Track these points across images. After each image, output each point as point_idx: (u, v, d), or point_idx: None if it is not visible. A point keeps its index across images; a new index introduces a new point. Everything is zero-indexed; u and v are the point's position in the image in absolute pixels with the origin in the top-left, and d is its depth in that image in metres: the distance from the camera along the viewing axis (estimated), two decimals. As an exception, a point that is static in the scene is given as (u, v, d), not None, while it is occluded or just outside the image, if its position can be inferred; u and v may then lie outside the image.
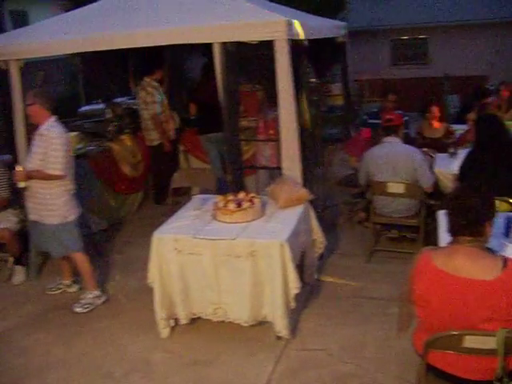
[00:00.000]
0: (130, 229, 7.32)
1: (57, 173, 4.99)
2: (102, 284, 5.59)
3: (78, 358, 4.53)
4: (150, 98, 7.58)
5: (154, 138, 7.72)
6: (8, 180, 5.89)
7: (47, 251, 5.52)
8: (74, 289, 5.65)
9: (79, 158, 6.52)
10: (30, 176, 5.04)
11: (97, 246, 5.66)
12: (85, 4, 6.71)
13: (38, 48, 5.88)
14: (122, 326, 4.95)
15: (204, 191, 6.67)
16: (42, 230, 5.25)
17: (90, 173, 7.09)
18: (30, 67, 6.07)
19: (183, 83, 9.07)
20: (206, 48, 5.58)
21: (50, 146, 4.95)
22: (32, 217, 5.30)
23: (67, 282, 5.68)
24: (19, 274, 5.98)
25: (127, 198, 7.82)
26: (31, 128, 5.57)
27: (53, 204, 5.11)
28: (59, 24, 6.33)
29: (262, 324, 4.52)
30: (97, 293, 5.37)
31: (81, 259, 5.34)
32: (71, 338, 4.84)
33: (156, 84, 7.68)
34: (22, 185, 5.10)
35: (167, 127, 7.77)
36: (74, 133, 7.52)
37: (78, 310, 5.24)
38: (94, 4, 6.56)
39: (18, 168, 5.07)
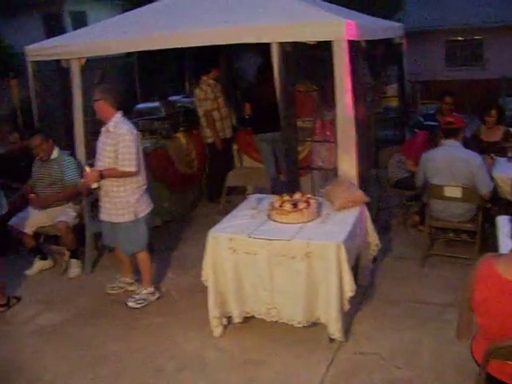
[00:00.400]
0: (184, 226, 7.36)
1: (129, 169, 4.95)
2: (155, 281, 5.62)
3: (131, 352, 4.59)
4: (203, 95, 7.64)
5: (208, 135, 7.78)
6: (77, 168, 5.96)
7: (117, 247, 5.48)
8: (135, 287, 5.56)
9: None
10: (102, 175, 4.99)
11: (150, 243, 5.72)
12: (144, 4, 6.81)
13: (98, 47, 6.00)
14: (175, 323, 4.99)
15: (259, 191, 6.67)
16: (114, 229, 5.24)
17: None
18: (89, 65, 6.17)
19: (238, 83, 9.09)
20: (263, 48, 5.58)
21: (120, 143, 4.91)
22: (104, 216, 5.26)
23: (129, 280, 5.62)
24: (75, 268, 6.10)
25: (181, 195, 7.86)
26: (92, 126, 5.66)
27: (126, 202, 5.08)
28: (118, 24, 6.44)
29: (315, 326, 4.49)
30: (151, 289, 5.40)
31: (144, 257, 5.36)
32: (125, 332, 4.92)
33: (212, 82, 7.73)
34: (94, 185, 5.05)
35: (222, 125, 7.81)
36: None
37: (131, 304, 5.29)
38: (152, 4, 6.66)
39: (88, 169, 5.03)
